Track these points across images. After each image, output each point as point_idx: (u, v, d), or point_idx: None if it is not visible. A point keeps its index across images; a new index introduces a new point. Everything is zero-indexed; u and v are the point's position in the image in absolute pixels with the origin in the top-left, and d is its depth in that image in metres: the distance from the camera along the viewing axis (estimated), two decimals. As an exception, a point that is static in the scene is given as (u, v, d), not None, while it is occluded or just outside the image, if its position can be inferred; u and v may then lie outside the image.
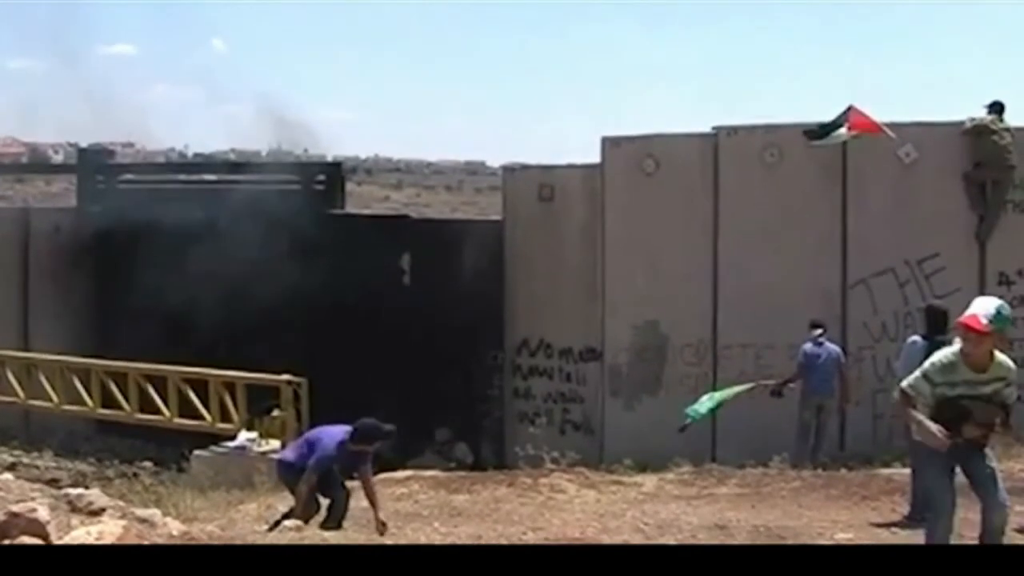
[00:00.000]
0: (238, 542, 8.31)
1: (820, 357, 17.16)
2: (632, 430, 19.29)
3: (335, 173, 24.47)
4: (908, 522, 12.23)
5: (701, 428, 19.01)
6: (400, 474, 15.81)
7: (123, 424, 20.31)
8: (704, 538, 11.58)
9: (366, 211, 30.05)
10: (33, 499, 7.30)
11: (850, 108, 17.75)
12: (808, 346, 17.23)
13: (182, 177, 28.57)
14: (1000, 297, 18.96)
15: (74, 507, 7.36)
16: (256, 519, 13.15)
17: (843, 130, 17.62)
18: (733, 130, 19.68)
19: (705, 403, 16.87)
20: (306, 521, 12.00)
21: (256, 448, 17.35)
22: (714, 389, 18.95)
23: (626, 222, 19.99)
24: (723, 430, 19.05)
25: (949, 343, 11.82)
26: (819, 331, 17.31)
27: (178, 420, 19.03)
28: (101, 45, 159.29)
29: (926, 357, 11.73)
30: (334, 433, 11.98)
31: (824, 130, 17.83)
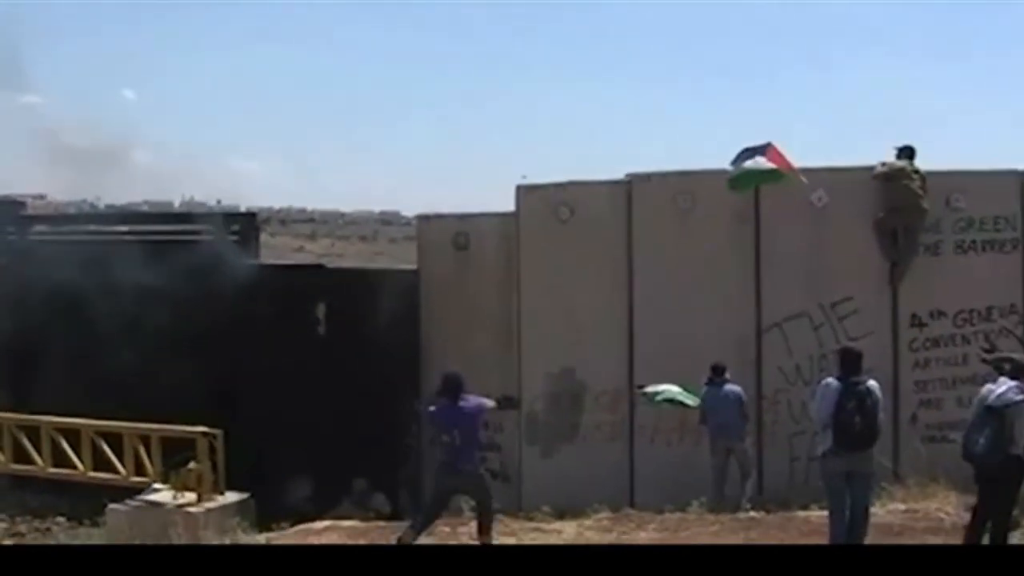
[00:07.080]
0: None
1: (715, 401, 17.09)
2: (550, 477, 19.27)
3: (249, 224, 24.28)
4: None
5: (619, 474, 19.12)
6: (318, 524, 15.69)
7: (36, 479, 19.95)
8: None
9: (281, 261, 29.92)
10: (-56, 556, 7.19)
11: (769, 144, 17.77)
12: (704, 389, 17.22)
13: (94, 228, 28.22)
14: (913, 339, 19.34)
15: (-13, 563, 7.26)
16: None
17: (762, 159, 17.58)
18: (646, 177, 19.79)
19: (664, 392, 16.90)
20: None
21: (171, 501, 17.13)
22: (631, 434, 19.10)
23: (541, 269, 20.03)
24: (641, 475, 19.14)
25: (863, 384, 12.01)
26: (714, 374, 17.24)
27: (92, 474, 18.72)
28: (12, 94, 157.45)
29: (840, 399, 11.91)
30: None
31: (742, 155, 17.87)
